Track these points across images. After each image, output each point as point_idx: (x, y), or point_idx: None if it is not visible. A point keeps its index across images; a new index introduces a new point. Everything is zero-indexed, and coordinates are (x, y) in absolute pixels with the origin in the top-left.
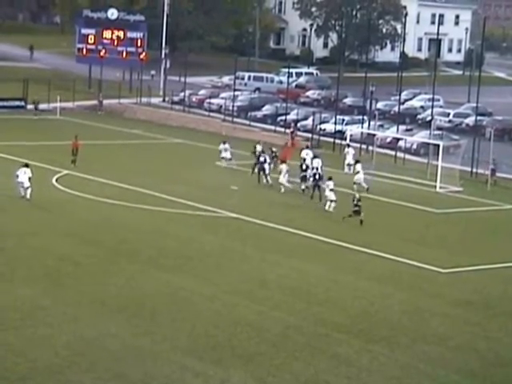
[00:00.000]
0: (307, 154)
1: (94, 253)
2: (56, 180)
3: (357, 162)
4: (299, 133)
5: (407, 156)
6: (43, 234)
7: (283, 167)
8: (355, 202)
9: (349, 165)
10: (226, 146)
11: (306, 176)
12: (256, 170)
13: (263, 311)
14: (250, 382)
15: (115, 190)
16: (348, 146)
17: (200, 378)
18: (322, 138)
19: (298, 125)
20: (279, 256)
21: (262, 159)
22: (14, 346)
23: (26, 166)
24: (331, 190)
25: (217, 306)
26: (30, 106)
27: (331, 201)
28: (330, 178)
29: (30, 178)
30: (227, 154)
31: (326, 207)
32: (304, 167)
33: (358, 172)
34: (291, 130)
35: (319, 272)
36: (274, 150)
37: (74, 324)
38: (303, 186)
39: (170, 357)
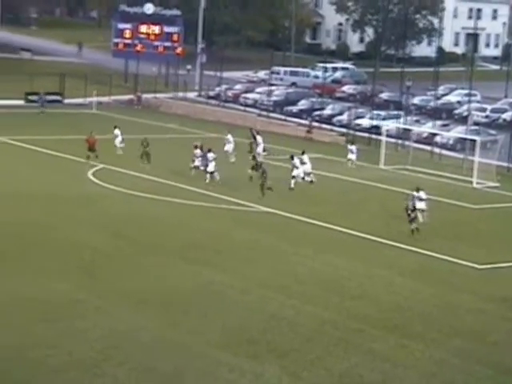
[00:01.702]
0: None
1: (126, 246)
2: (92, 174)
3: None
4: (335, 128)
5: (443, 151)
6: (77, 228)
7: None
8: (408, 212)
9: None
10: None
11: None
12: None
13: (297, 305)
14: (285, 376)
15: (150, 183)
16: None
17: (235, 372)
18: (357, 133)
19: (334, 120)
20: (312, 250)
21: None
22: (49, 338)
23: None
24: (422, 199)
25: (250, 299)
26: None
27: (422, 210)
28: (418, 190)
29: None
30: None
31: (421, 219)
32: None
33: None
34: (309, 122)
35: (352, 266)
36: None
37: (107, 317)
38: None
39: (202, 350)
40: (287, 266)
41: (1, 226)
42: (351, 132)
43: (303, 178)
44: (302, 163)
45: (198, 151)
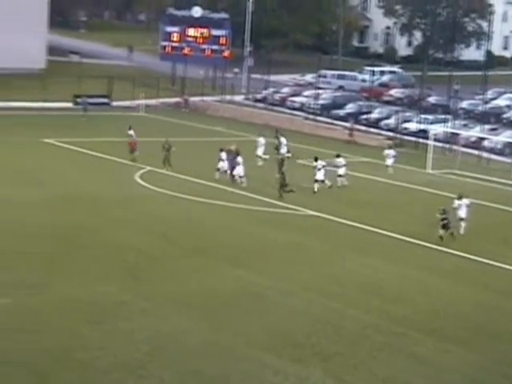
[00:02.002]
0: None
1: (171, 248)
2: (139, 176)
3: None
4: (382, 131)
5: (492, 156)
6: (123, 230)
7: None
8: (442, 217)
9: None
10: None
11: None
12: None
13: (339, 308)
14: (329, 380)
15: (196, 186)
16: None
17: (279, 375)
18: (404, 137)
19: (381, 123)
20: (353, 253)
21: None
22: (96, 340)
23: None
24: (465, 206)
25: (293, 302)
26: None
27: (462, 220)
28: (461, 197)
29: None
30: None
31: (462, 231)
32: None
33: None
34: (350, 125)
35: (392, 269)
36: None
37: (152, 319)
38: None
39: (247, 353)
40: (329, 268)
41: (49, 228)
42: (390, 136)
43: (323, 181)
44: (338, 166)
45: (223, 154)
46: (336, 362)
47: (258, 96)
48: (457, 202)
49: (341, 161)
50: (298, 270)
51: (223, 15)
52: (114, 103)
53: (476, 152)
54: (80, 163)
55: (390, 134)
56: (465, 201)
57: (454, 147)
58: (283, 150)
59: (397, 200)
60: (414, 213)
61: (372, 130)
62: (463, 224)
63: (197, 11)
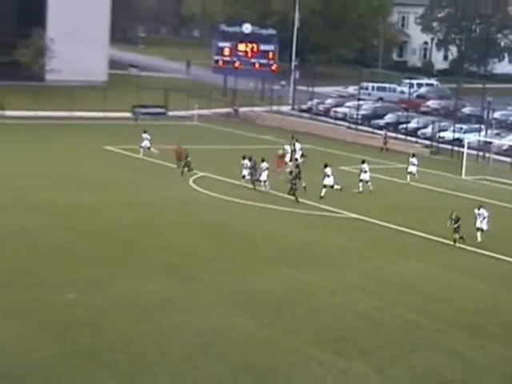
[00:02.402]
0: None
1: (223, 248)
2: (193, 181)
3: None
4: (419, 140)
5: None
6: (178, 231)
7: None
8: (453, 222)
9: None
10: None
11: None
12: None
13: (381, 306)
14: (370, 373)
15: (245, 191)
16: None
17: (323, 367)
18: (440, 145)
19: (419, 132)
20: (394, 254)
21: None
22: (148, 333)
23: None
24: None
25: (338, 300)
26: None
27: (478, 229)
28: (480, 207)
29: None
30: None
31: (479, 239)
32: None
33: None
34: (384, 134)
35: (432, 270)
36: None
37: (203, 315)
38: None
39: (294, 347)
40: (371, 268)
41: (112, 232)
42: (427, 144)
43: (332, 187)
44: (364, 172)
45: (245, 161)
46: (376, 356)
47: (304, 106)
48: (476, 212)
49: (364, 167)
50: (341, 270)
51: (271, 31)
52: (170, 113)
53: (508, 159)
54: (138, 169)
55: (427, 142)
56: (483, 211)
57: (487, 155)
58: (298, 155)
59: (433, 204)
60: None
61: (410, 138)
62: (478, 233)
63: (247, 28)
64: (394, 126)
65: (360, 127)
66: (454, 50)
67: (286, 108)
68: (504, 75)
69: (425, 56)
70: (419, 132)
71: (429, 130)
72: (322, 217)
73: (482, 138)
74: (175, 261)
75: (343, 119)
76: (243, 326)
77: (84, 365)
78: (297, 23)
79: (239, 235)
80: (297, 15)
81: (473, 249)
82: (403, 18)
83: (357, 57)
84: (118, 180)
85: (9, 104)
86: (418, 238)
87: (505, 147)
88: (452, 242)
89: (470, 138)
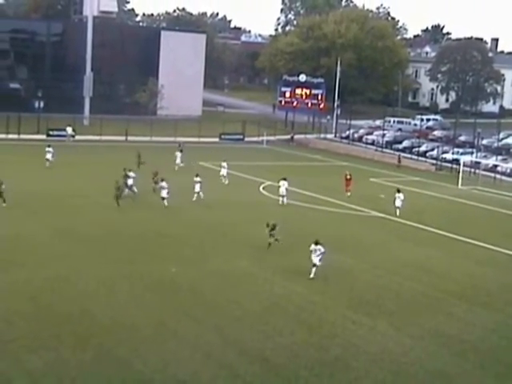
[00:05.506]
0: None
1: (285, 236)
2: (262, 188)
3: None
4: (428, 160)
5: (503, 177)
6: (252, 224)
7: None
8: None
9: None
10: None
11: None
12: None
13: (399, 281)
14: (390, 329)
15: (303, 196)
16: (398, 191)
17: (356, 324)
18: (443, 164)
19: (427, 154)
20: (410, 244)
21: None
22: (234, 297)
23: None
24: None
25: (368, 276)
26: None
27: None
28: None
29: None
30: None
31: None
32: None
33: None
34: (398, 155)
35: (439, 255)
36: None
37: (271, 285)
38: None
39: (335, 309)
40: (394, 254)
41: (208, 225)
42: (434, 163)
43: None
44: (400, 199)
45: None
46: (395, 317)
47: (343, 134)
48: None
49: (400, 195)
50: (371, 255)
51: (320, 80)
52: (246, 139)
53: (492, 174)
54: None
55: (433, 161)
56: (400, 195)
57: (477, 171)
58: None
59: (438, 206)
60: (451, 215)
61: (421, 158)
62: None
63: (302, 77)
64: (409, 149)
65: (384, 150)
66: (453, 94)
67: (330, 135)
68: (490, 113)
69: (432, 98)
70: (427, 154)
71: (434, 153)
72: (355, 216)
73: (474, 159)
74: (252, 245)
75: (372, 144)
76: (300, 293)
77: (190, 318)
78: (338, 74)
79: (298, 226)
80: (339, 68)
81: (467, 239)
82: (416, 71)
83: (382, 99)
84: (210, 186)
85: (131, 131)
86: (429, 232)
87: (490, 165)
88: (268, 245)
89: (465, 158)
